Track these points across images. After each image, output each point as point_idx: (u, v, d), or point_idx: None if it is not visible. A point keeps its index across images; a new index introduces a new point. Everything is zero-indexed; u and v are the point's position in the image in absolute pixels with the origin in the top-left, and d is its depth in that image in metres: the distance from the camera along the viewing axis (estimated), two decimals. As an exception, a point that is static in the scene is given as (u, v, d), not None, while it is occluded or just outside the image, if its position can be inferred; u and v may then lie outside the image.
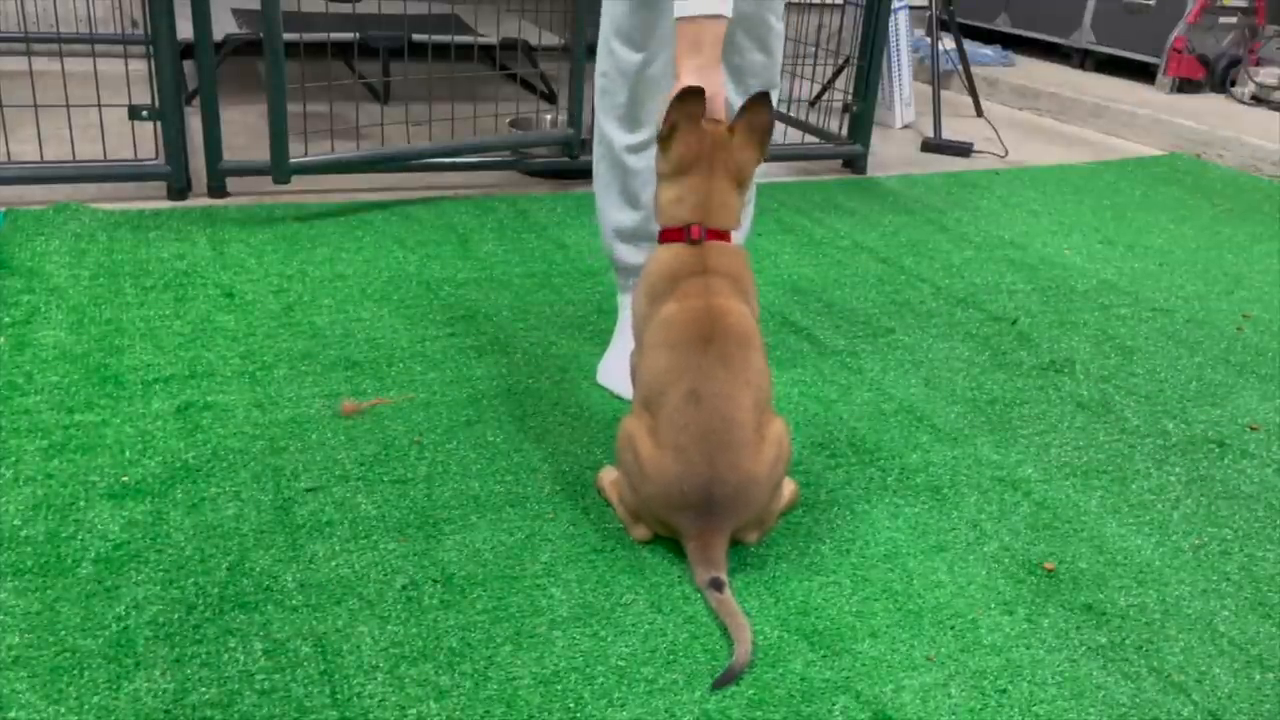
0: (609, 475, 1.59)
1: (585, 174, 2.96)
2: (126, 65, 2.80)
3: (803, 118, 3.83)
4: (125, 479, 1.55)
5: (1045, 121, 4.76)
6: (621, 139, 1.89)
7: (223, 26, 3.70)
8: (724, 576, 1.39)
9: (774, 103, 1.94)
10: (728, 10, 1.53)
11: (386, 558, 1.43)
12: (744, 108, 1.53)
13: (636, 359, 1.55)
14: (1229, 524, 1.68)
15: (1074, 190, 3.56)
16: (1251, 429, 1.98)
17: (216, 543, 1.43)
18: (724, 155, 1.50)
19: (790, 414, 1.89)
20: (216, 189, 2.81)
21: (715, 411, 1.40)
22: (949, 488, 1.71)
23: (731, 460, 1.40)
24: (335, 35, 3.67)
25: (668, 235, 1.53)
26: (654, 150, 1.88)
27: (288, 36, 2.66)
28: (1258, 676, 1.35)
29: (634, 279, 1.99)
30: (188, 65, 3.12)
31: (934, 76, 4.22)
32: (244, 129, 3.38)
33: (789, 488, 1.57)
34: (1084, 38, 5.48)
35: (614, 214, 1.96)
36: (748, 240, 2.04)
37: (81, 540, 1.41)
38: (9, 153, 2.78)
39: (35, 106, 2.68)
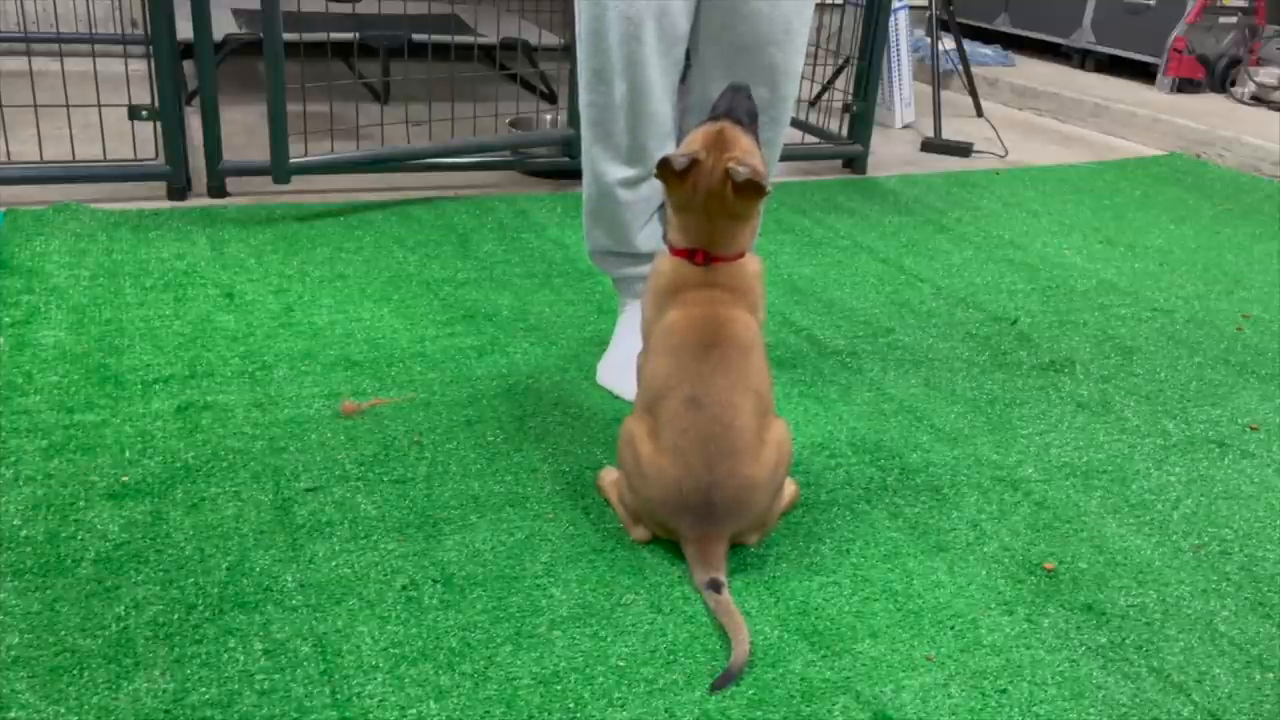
0: (609, 475, 1.59)
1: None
2: (126, 65, 2.80)
3: (803, 118, 3.83)
4: (125, 479, 1.55)
5: (1045, 121, 4.76)
6: (613, 173, 1.84)
7: (223, 26, 3.70)
8: (723, 578, 1.39)
9: (780, 138, 1.91)
10: None
11: (386, 558, 1.43)
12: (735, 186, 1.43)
13: (642, 361, 1.55)
14: (1229, 524, 1.67)
15: (1074, 190, 3.56)
16: (1251, 429, 1.98)
17: (216, 543, 1.43)
18: (718, 205, 1.44)
19: (790, 414, 1.89)
20: (216, 189, 2.81)
21: (715, 417, 1.40)
22: (949, 488, 1.71)
23: (731, 465, 1.40)
24: (335, 35, 3.67)
25: (676, 251, 1.51)
26: (646, 186, 1.87)
27: (288, 36, 2.66)
28: (1258, 676, 1.35)
29: (629, 286, 1.98)
30: (188, 65, 3.12)
31: (934, 76, 4.22)
32: (244, 129, 3.38)
33: (789, 488, 1.57)
34: (1084, 38, 5.48)
35: (600, 238, 1.94)
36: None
37: (81, 540, 1.41)
38: (9, 153, 2.78)
39: (35, 106, 2.68)
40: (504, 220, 2.80)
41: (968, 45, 4.69)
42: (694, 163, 1.42)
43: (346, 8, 4.17)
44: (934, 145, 3.99)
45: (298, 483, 1.58)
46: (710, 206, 1.44)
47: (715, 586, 1.38)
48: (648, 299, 1.54)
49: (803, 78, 1.93)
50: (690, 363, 1.42)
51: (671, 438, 1.41)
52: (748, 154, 1.45)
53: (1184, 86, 5.01)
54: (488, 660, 1.27)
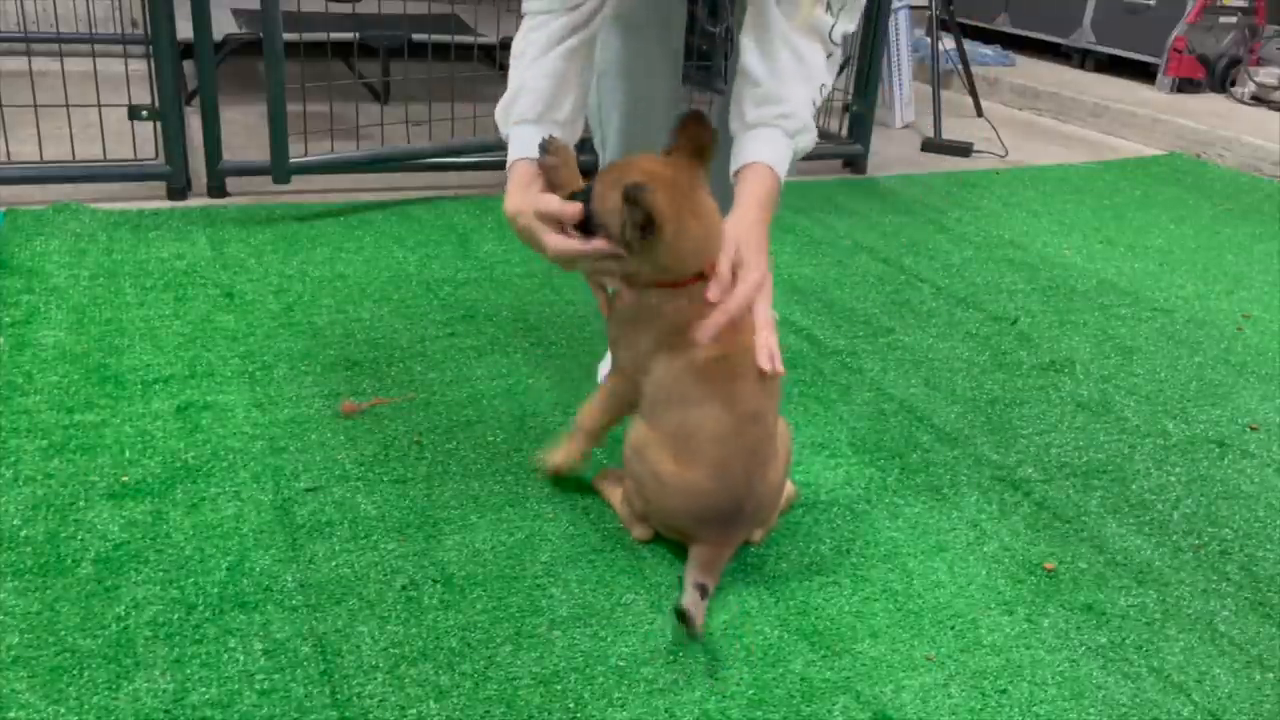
0: (609, 475, 1.59)
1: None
2: (126, 65, 2.80)
3: (803, 118, 3.82)
4: (125, 479, 1.55)
5: (1045, 121, 4.76)
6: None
7: (222, 26, 3.70)
8: (711, 586, 1.38)
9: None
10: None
11: (386, 558, 1.43)
12: (681, 128, 1.39)
13: (615, 381, 1.51)
14: (1229, 524, 1.67)
15: (1074, 190, 3.56)
16: (1251, 429, 1.98)
17: (216, 543, 1.43)
18: (688, 178, 1.37)
19: (790, 414, 1.88)
20: (216, 189, 2.80)
21: (759, 427, 1.39)
22: (949, 488, 1.71)
23: (764, 472, 1.40)
24: (335, 35, 3.67)
25: (684, 282, 1.39)
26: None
27: (287, 36, 2.66)
28: (1258, 676, 1.35)
29: None
30: (188, 65, 3.12)
31: (934, 76, 4.22)
32: (244, 129, 3.38)
33: (788, 488, 1.57)
34: (1084, 38, 5.48)
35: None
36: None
37: (81, 540, 1.41)
38: (9, 153, 2.78)
39: (35, 106, 2.68)
40: (504, 220, 2.78)
41: (968, 45, 4.69)
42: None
43: (346, 8, 4.17)
44: (934, 145, 3.99)
45: (298, 483, 1.58)
46: (688, 203, 1.36)
47: (703, 591, 1.36)
48: (644, 336, 1.43)
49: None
50: (745, 382, 1.38)
51: (714, 450, 1.37)
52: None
53: (1184, 86, 5.01)
54: (488, 660, 1.27)
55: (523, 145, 1.51)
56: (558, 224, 1.41)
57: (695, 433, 1.39)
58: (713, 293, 1.34)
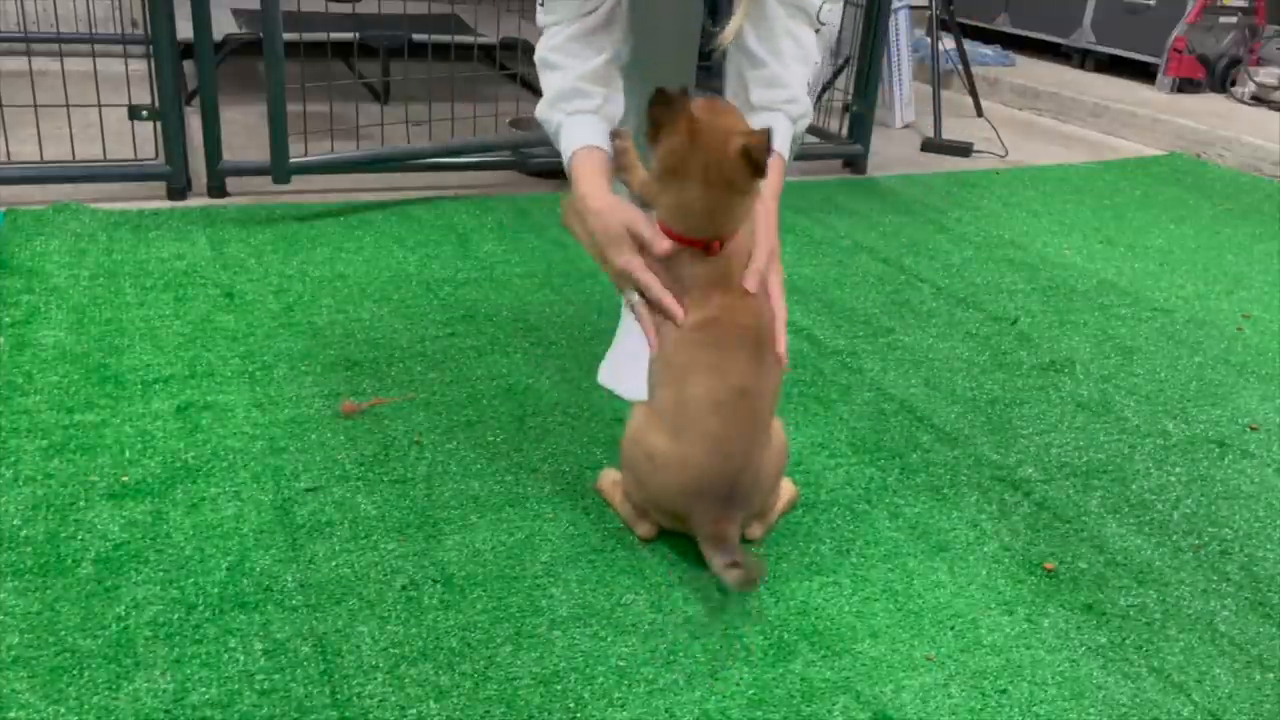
0: (609, 476, 1.59)
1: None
2: (126, 65, 2.80)
3: (803, 118, 3.82)
4: (125, 479, 1.55)
5: (1045, 121, 4.76)
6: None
7: (223, 26, 3.70)
8: (741, 560, 1.38)
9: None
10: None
11: (386, 558, 1.43)
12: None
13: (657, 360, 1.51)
14: (1229, 524, 1.67)
15: (1074, 190, 3.56)
16: (1251, 429, 1.98)
17: (216, 543, 1.43)
18: (716, 165, 1.38)
19: (790, 414, 1.89)
20: (216, 189, 2.80)
21: (757, 406, 1.41)
22: (949, 488, 1.71)
23: (758, 451, 1.42)
24: (335, 35, 3.67)
25: (683, 240, 1.44)
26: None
27: (288, 36, 2.66)
28: (1258, 676, 1.35)
29: None
30: (188, 65, 3.12)
31: (934, 76, 4.22)
32: (244, 129, 3.38)
33: (789, 489, 1.57)
34: (1084, 38, 5.48)
35: None
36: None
37: (81, 540, 1.41)
38: (9, 153, 2.78)
39: (35, 106, 2.68)
40: (504, 220, 2.80)
41: (968, 45, 4.70)
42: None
43: (346, 8, 4.17)
44: (934, 145, 3.99)
45: (298, 483, 1.58)
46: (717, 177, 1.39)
47: (736, 567, 1.37)
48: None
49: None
50: (734, 353, 1.41)
51: (718, 426, 1.39)
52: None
53: (1184, 86, 5.01)
54: (488, 660, 1.27)
55: (584, 133, 1.56)
56: (636, 243, 1.45)
57: (689, 403, 1.41)
58: (750, 282, 1.43)
